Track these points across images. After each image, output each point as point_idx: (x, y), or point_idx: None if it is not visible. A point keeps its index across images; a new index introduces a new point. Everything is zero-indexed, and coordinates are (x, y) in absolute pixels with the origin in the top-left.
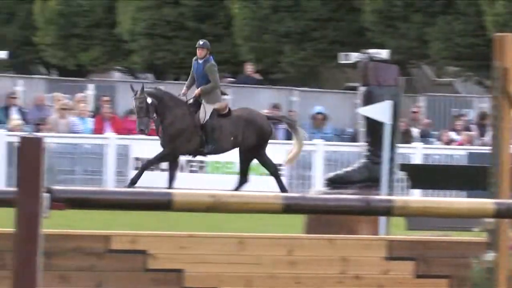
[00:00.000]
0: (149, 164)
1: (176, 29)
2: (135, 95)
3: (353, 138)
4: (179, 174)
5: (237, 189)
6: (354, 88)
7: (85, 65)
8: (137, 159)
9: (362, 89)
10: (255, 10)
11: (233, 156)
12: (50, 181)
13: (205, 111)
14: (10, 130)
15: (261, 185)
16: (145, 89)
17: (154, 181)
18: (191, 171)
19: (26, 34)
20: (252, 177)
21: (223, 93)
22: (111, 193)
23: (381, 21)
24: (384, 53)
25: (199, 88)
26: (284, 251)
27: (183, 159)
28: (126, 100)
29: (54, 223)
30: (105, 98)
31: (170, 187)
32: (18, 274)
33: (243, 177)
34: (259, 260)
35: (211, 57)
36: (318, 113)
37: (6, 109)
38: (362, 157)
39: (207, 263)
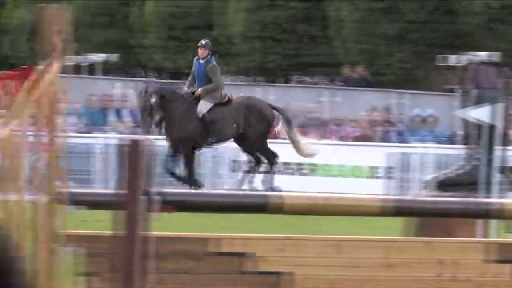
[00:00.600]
0: (168, 170)
1: (285, 32)
2: (140, 96)
3: (452, 141)
4: (287, 177)
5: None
6: (452, 91)
7: (182, 68)
8: (233, 161)
9: (469, 91)
10: (363, 13)
11: (340, 159)
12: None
13: (204, 106)
14: (120, 132)
15: (356, 188)
16: (149, 89)
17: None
18: (302, 174)
19: (124, 37)
20: (348, 180)
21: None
22: (217, 196)
23: (479, 23)
24: (494, 56)
25: (200, 89)
26: (381, 253)
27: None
28: None
29: (160, 226)
30: None
31: (193, 181)
32: (126, 276)
33: (258, 163)
34: (356, 263)
35: (212, 57)
36: (417, 115)
37: (118, 111)
38: (462, 159)
39: (304, 266)
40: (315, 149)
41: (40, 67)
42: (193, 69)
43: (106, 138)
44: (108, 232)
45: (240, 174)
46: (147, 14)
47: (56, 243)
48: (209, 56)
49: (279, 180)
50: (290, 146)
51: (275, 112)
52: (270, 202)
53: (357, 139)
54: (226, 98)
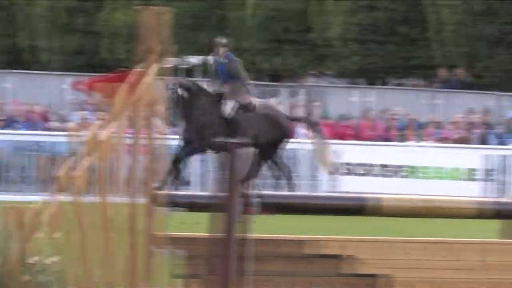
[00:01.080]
0: (177, 159)
1: (386, 34)
2: (168, 87)
3: None
4: (385, 180)
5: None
6: None
7: (280, 70)
8: (348, 164)
9: None
10: (462, 15)
11: (438, 161)
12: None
13: (230, 106)
14: None
15: (454, 190)
16: (178, 82)
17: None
18: (400, 176)
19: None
20: (446, 182)
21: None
22: (318, 198)
23: None
24: None
25: (229, 85)
26: (478, 256)
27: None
28: (336, 105)
29: (261, 228)
30: (316, 103)
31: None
32: (225, 278)
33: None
34: (454, 265)
35: (231, 53)
36: None
37: None
38: None
39: (402, 268)
40: (333, 163)
41: (138, 70)
42: (212, 67)
43: None
44: (206, 235)
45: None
46: (248, 17)
47: (154, 245)
48: (227, 53)
49: (377, 183)
50: (385, 148)
51: (295, 122)
52: (369, 205)
53: (455, 141)
54: (250, 104)
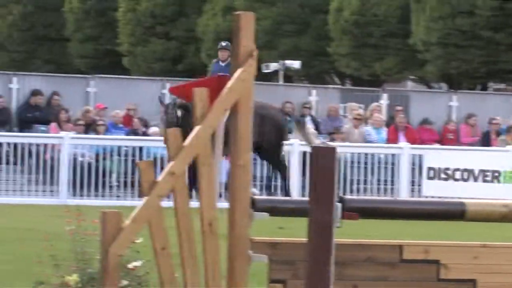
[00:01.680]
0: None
1: (470, 39)
2: (166, 110)
3: None
4: (470, 184)
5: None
6: None
7: (379, 75)
8: (430, 168)
9: None
10: None
11: None
12: (343, 191)
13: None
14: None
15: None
16: (176, 102)
17: (445, 190)
18: (485, 181)
19: (320, 44)
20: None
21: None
22: (402, 203)
23: None
24: None
25: None
26: None
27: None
28: (419, 110)
29: (345, 233)
30: (399, 108)
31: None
32: (310, 283)
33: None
34: None
35: None
36: None
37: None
38: None
39: (501, 273)
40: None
41: (235, 75)
42: (209, 70)
43: (301, 145)
44: (300, 239)
45: (436, 181)
46: (343, 21)
47: (249, 249)
48: (229, 58)
49: (461, 187)
50: (471, 152)
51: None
52: (452, 209)
53: None
54: None
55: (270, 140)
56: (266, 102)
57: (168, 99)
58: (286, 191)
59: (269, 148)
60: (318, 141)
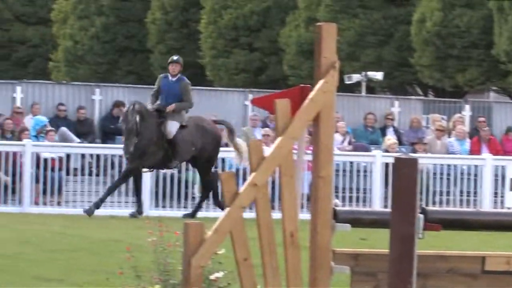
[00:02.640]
0: (117, 184)
1: None
2: (125, 117)
3: None
4: None
5: (200, 204)
6: None
7: (461, 86)
8: None
9: None
10: None
11: None
12: (426, 202)
13: (174, 127)
14: (385, 150)
15: None
16: (134, 108)
17: None
18: None
19: (403, 55)
20: None
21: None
22: (484, 214)
23: None
24: None
25: (174, 105)
26: None
27: None
28: (502, 120)
29: (427, 244)
30: (481, 119)
31: (139, 200)
32: None
33: (206, 191)
34: None
35: (183, 77)
36: None
37: (383, 129)
38: None
39: None
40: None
41: (316, 86)
42: (157, 85)
43: (383, 156)
44: (383, 251)
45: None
46: (426, 33)
47: (331, 260)
48: (179, 74)
49: None
50: None
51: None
52: None
53: None
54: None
55: (208, 152)
56: (202, 116)
57: (126, 112)
58: (220, 204)
59: (205, 160)
60: (245, 154)
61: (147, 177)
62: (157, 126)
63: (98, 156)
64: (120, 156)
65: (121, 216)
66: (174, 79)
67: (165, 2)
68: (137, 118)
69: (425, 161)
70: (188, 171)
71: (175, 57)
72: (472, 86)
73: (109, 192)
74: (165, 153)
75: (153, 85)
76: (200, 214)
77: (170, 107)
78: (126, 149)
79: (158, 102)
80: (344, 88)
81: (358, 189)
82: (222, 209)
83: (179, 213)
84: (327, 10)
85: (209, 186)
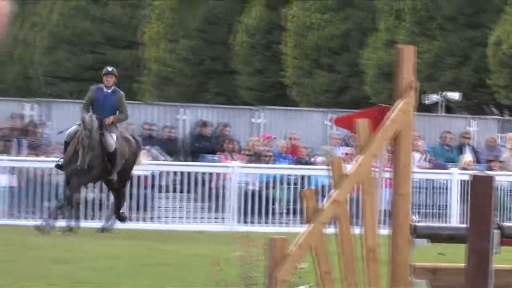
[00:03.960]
0: (69, 201)
1: None
2: (89, 134)
3: None
4: None
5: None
6: None
7: None
8: None
9: None
10: None
11: None
12: (501, 218)
13: (113, 139)
14: (462, 168)
15: None
16: (97, 124)
17: None
18: None
19: (479, 76)
20: None
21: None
22: None
23: None
24: None
25: (113, 117)
26: None
27: None
28: None
29: (504, 259)
30: None
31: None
32: None
33: (120, 200)
34: None
35: (118, 88)
36: None
37: (460, 148)
38: None
39: None
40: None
41: (396, 106)
42: (90, 96)
43: (460, 173)
44: (460, 265)
45: None
46: (502, 54)
47: (410, 275)
48: (113, 86)
49: None
50: None
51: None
52: None
53: None
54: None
55: (129, 164)
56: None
57: (90, 124)
58: (120, 216)
59: (125, 172)
60: (145, 161)
61: (234, 194)
62: (99, 143)
63: (182, 173)
64: (206, 174)
65: (208, 231)
66: (109, 91)
67: (250, 25)
68: (98, 136)
69: (501, 178)
70: (272, 189)
71: (109, 68)
72: None
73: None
74: (105, 166)
75: (239, 105)
76: (283, 229)
77: (109, 120)
78: (82, 163)
79: (95, 113)
80: (422, 108)
81: (436, 206)
82: (122, 221)
83: (264, 228)
84: (407, 33)
85: (119, 197)
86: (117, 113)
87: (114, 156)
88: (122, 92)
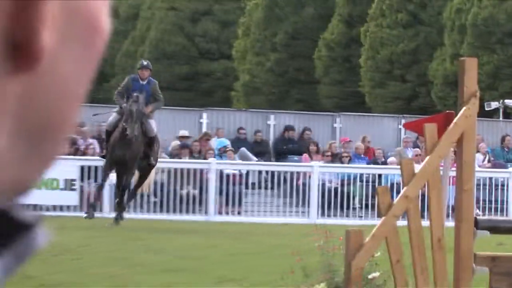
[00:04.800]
0: (136, 189)
1: None
2: (135, 100)
3: None
4: None
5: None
6: None
7: None
8: None
9: None
10: None
11: None
12: None
13: (152, 124)
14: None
15: None
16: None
17: None
18: None
19: None
20: None
21: None
22: None
23: None
24: None
25: (152, 106)
26: None
27: None
28: None
29: None
30: None
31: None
32: None
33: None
34: None
35: (151, 78)
36: None
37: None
38: None
39: None
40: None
41: (460, 112)
42: (126, 85)
43: None
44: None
45: None
46: None
47: (473, 262)
48: (149, 77)
49: None
50: None
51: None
52: None
53: None
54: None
55: (137, 158)
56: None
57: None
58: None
59: (132, 165)
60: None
61: (315, 191)
62: (141, 130)
63: (272, 172)
64: (291, 173)
65: (292, 223)
66: (144, 82)
67: (330, 40)
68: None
69: None
70: (349, 186)
71: (144, 62)
72: None
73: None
74: (143, 150)
75: (320, 112)
76: (360, 222)
77: (148, 109)
78: (131, 131)
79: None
80: (484, 113)
81: (496, 201)
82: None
83: (342, 221)
84: (469, 47)
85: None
86: (153, 102)
87: (153, 142)
88: (155, 81)
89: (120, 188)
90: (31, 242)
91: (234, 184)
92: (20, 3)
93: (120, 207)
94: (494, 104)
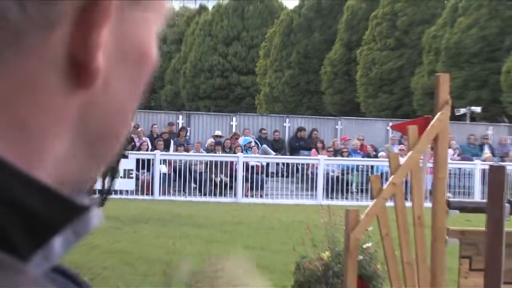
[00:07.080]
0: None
1: None
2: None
3: None
4: None
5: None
6: None
7: None
8: None
9: None
10: None
11: None
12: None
13: None
14: (483, 160)
15: None
16: None
17: None
18: None
19: (495, 95)
20: None
21: None
22: None
23: None
24: None
25: None
26: None
27: None
28: None
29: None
30: None
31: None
32: (488, 258)
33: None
34: None
35: None
36: None
37: (481, 146)
38: None
39: None
40: None
41: (436, 116)
42: None
43: (481, 164)
44: (481, 229)
45: None
46: (509, 80)
47: (446, 235)
48: None
49: None
50: None
51: None
52: None
53: None
54: None
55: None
56: None
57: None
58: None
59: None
60: None
61: (321, 178)
62: None
63: (287, 164)
64: (302, 164)
65: (303, 204)
66: None
67: (333, 59)
68: None
69: (510, 167)
70: (348, 174)
71: None
72: None
73: None
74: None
75: (325, 116)
76: (356, 203)
77: None
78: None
79: None
80: (454, 118)
81: (464, 186)
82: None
83: (342, 202)
84: (443, 65)
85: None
86: None
87: None
88: None
89: None
90: (87, 222)
91: (257, 173)
92: (81, 29)
93: None
94: (463, 110)
